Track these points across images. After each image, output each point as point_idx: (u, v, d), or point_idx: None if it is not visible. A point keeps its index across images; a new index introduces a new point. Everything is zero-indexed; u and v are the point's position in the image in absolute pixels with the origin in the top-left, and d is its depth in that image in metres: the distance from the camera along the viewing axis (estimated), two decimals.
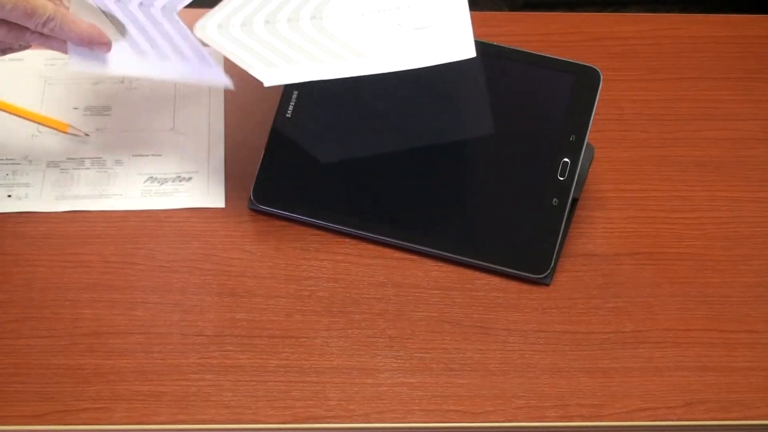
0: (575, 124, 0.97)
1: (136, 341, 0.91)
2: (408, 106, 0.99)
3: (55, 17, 0.92)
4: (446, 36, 0.93)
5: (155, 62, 0.96)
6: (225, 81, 0.96)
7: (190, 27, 0.97)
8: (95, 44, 0.94)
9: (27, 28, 0.93)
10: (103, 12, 0.96)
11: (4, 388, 0.88)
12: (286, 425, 0.87)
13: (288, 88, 1.00)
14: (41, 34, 0.94)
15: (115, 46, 0.96)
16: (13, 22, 0.92)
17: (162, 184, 1.01)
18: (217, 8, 0.98)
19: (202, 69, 0.96)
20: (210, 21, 0.97)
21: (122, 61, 0.96)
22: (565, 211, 0.96)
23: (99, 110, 1.07)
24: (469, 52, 0.93)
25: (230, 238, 0.98)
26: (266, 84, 0.93)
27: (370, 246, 0.98)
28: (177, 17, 0.97)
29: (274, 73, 0.93)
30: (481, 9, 1.28)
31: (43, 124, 1.05)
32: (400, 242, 0.98)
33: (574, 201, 0.98)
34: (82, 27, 0.94)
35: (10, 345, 0.90)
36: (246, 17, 0.96)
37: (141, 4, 0.97)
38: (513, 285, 0.96)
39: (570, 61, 0.98)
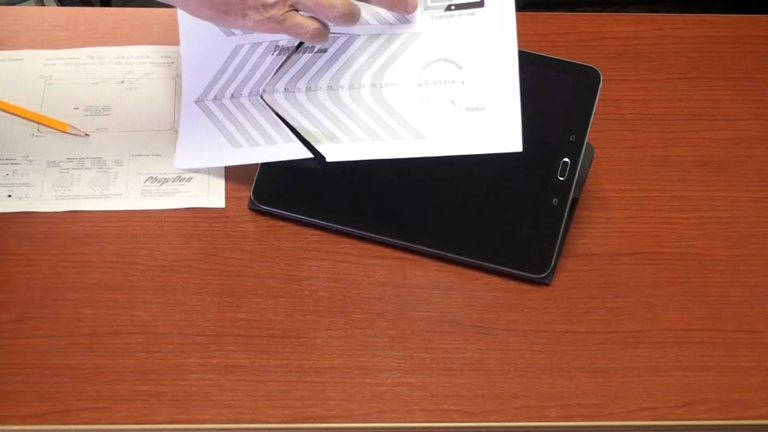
0: (575, 124, 0.97)
1: (136, 341, 0.91)
2: None
3: None
4: (496, 124, 0.95)
5: (247, 151, 0.99)
6: (306, 153, 0.97)
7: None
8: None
9: None
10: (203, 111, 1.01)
11: (4, 388, 0.88)
12: (286, 425, 0.87)
13: None
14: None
15: (213, 141, 1.00)
16: None
17: (162, 184, 1.01)
18: (282, 70, 0.99)
19: (285, 146, 0.98)
20: (278, 85, 0.98)
21: (220, 155, 1.00)
22: (565, 211, 0.96)
23: (99, 110, 1.07)
24: (516, 145, 0.94)
25: (230, 238, 0.98)
26: (329, 159, 0.96)
27: (370, 246, 0.98)
28: (262, 101, 0.99)
29: (337, 150, 0.96)
30: None
31: (43, 124, 1.05)
32: (400, 242, 0.98)
33: (574, 201, 0.98)
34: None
35: (10, 345, 0.90)
36: (310, 81, 0.98)
37: (232, 96, 1.00)
38: (513, 285, 0.96)
39: (570, 61, 0.98)
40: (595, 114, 0.97)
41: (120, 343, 0.91)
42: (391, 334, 0.93)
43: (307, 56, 0.99)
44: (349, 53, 0.98)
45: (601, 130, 1.04)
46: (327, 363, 0.90)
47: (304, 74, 0.98)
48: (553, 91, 0.98)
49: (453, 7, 0.97)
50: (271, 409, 0.88)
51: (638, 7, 1.91)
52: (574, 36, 1.17)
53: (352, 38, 0.98)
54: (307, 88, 0.98)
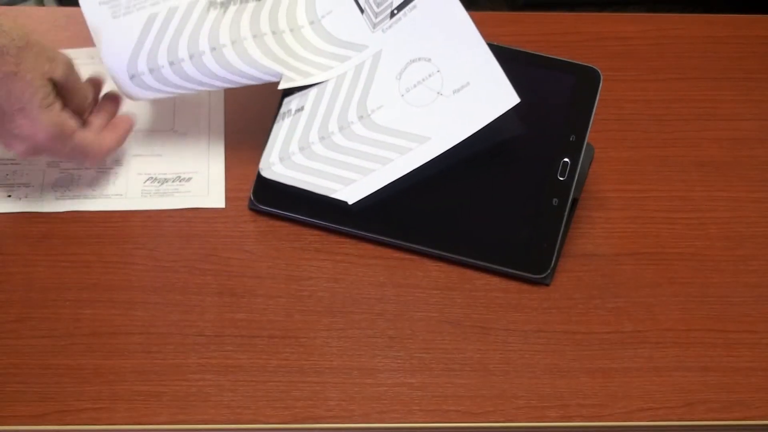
0: (575, 124, 0.97)
1: (136, 341, 0.91)
2: None
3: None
4: (486, 90, 0.95)
5: None
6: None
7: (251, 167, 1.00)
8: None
9: None
10: None
11: (4, 388, 0.88)
12: (286, 425, 0.87)
13: (288, 89, 1.00)
14: None
15: None
16: None
17: (162, 184, 1.01)
18: (270, 142, 0.99)
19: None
20: (272, 157, 0.98)
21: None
22: (565, 211, 0.96)
23: None
24: (512, 99, 0.94)
25: (230, 238, 0.98)
26: (351, 202, 0.96)
27: (370, 246, 0.98)
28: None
29: (355, 189, 0.97)
30: (481, 9, 1.29)
31: None
32: (400, 242, 0.98)
33: (574, 201, 0.98)
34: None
35: (10, 345, 0.90)
36: (301, 140, 0.98)
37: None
38: (513, 285, 0.96)
39: (570, 61, 0.98)
40: (595, 114, 0.97)
41: (120, 343, 0.91)
42: (391, 334, 0.93)
43: (287, 121, 0.99)
44: (325, 101, 0.98)
45: (601, 130, 1.04)
46: (327, 363, 0.90)
47: (292, 137, 0.98)
48: (553, 91, 0.98)
49: (395, 12, 0.98)
50: (270, 410, 0.88)
51: (638, 7, 1.91)
52: (574, 36, 1.17)
53: (322, 87, 0.98)
54: (300, 148, 0.98)
